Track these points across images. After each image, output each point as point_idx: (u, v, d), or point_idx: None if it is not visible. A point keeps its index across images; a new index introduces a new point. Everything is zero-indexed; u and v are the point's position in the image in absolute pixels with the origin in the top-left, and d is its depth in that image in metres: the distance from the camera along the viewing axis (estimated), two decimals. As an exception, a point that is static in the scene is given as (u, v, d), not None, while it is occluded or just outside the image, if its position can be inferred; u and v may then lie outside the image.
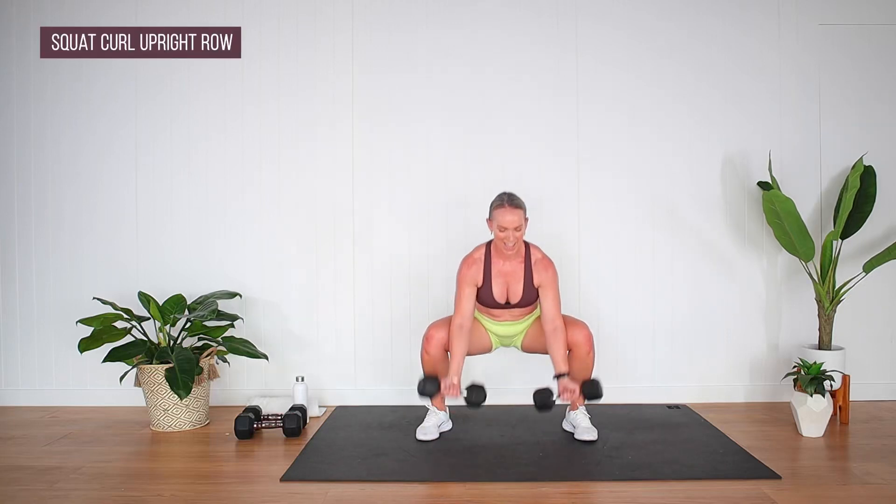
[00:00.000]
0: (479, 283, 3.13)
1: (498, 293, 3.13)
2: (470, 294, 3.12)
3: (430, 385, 3.04)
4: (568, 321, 3.16)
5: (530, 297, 3.14)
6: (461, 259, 3.21)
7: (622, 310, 3.80)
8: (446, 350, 3.15)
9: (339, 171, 3.80)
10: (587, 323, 3.19)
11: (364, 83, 3.79)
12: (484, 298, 3.15)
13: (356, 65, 3.79)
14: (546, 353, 3.17)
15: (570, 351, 3.14)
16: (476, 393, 3.03)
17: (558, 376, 3.04)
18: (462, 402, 3.05)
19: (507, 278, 3.13)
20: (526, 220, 3.10)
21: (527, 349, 3.29)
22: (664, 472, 2.72)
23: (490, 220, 3.11)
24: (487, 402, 3.72)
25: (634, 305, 3.81)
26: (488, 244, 3.19)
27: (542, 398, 3.00)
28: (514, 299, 3.14)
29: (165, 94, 3.81)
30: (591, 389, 3.04)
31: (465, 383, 3.07)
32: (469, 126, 3.78)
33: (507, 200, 3.06)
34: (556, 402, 3.02)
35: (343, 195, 3.81)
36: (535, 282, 3.12)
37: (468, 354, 3.16)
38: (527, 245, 3.17)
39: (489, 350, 3.31)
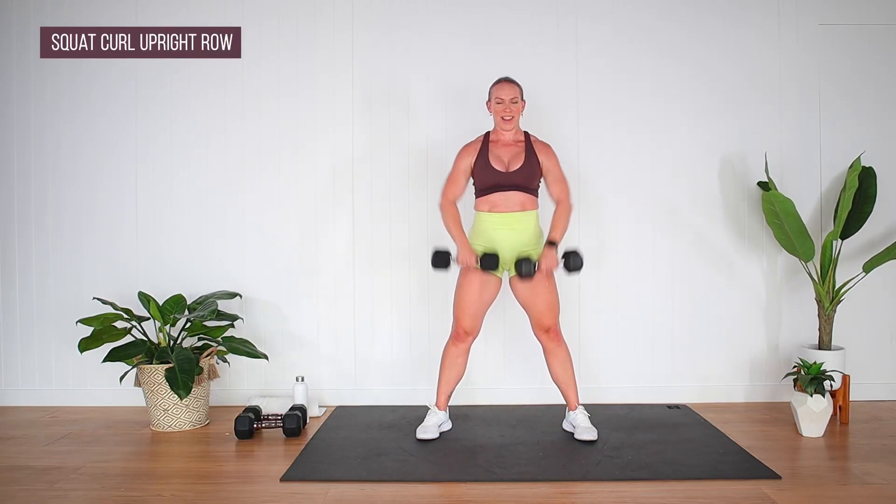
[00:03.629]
0: (474, 162, 3.14)
1: (496, 162, 3.12)
2: (463, 174, 3.18)
3: (442, 258, 3.11)
4: (558, 341, 3.19)
5: (531, 171, 3.12)
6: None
7: (622, 310, 3.80)
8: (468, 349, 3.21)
9: (340, 171, 3.80)
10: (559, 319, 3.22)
11: (364, 83, 3.79)
12: (482, 174, 3.13)
13: (356, 64, 3.79)
14: (526, 309, 3.20)
15: (552, 362, 3.20)
16: (490, 259, 3.06)
17: (550, 243, 3.10)
18: (480, 267, 3.09)
19: (507, 155, 3.15)
20: (523, 101, 3.19)
21: (515, 286, 3.17)
22: (664, 472, 2.72)
23: (489, 101, 3.20)
24: (487, 401, 3.76)
25: (634, 306, 3.81)
26: (488, 132, 3.23)
27: (526, 268, 3.03)
28: (514, 168, 3.11)
29: (165, 94, 3.81)
30: (574, 260, 3.09)
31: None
32: (470, 126, 3.77)
33: (504, 78, 3.19)
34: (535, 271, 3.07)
35: (344, 195, 3.81)
36: (539, 159, 3.15)
37: (484, 306, 3.19)
38: (526, 133, 3.22)
39: (498, 285, 3.19)
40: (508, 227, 3.10)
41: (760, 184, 3.72)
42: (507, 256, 3.14)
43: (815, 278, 3.59)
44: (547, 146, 3.21)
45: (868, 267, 3.51)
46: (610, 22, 3.78)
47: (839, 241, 3.60)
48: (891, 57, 3.79)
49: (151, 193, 3.82)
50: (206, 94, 3.81)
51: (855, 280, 3.59)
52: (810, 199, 3.78)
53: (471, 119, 3.76)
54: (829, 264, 3.54)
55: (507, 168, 3.12)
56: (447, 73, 3.79)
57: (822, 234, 3.76)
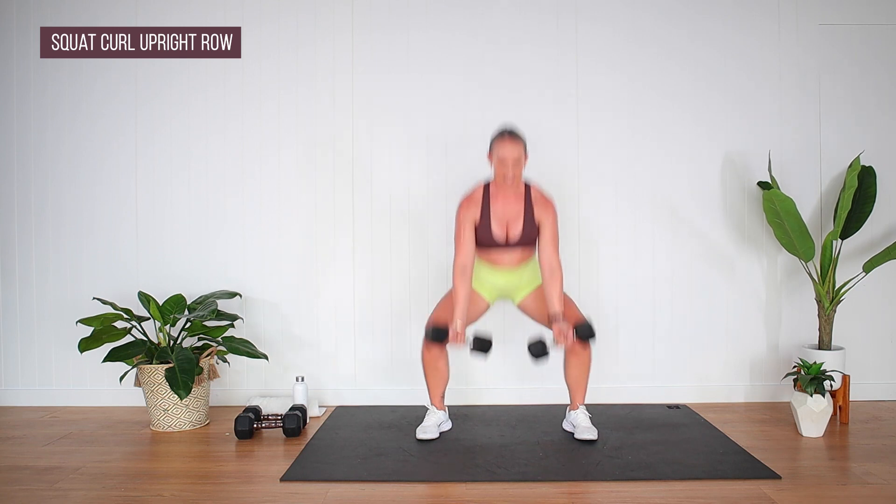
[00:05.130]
0: (478, 220, 3.09)
1: (497, 230, 3.09)
2: (470, 234, 3.10)
3: (438, 333, 3.04)
4: (567, 305, 3.13)
5: (531, 235, 3.10)
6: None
7: (622, 309, 3.80)
8: (445, 349, 3.15)
9: (339, 170, 3.80)
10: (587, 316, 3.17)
11: (364, 83, 3.79)
12: (483, 237, 3.10)
13: (356, 65, 3.80)
14: (540, 322, 3.19)
15: (572, 362, 3.16)
16: (481, 342, 3.02)
17: (553, 319, 3.04)
18: (470, 350, 3.05)
19: (507, 216, 3.10)
20: (526, 155, 3.10)
21: (524, 309, 3.23)
22: (664, 472, 2.72)
23: (490, 153, 3.11)
24: (487, 401, 3.75)
25: (634, 305, 3.81)
26: (487, 184, 3.16)
27: (538, 349, 3.00)
28: (514, 236, 3.09)
29: (165, 94, 3.81)
30: (585, 331, 3.02)
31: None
32: (468, 127, 3.78)
33: (508, 134, 3.06)
34: (551, 351, 3.02)
35: (343, 194, 3.81)
36: (536, 218, 3.09)
37: (467, 323, 3.15)
38: (527, 185, 3.15)
39: (486, 309, 3.24)
40: (507, 276, 3.18)
41: (761, 183, 3.73)
42: (504, 289, 3.21)
43: (815, 278, 3.59)
44: (547, 204, 3.13)
45: (868, 267, 3.51)
46: (609, 22, 3.78)
47: (839, 240, 3.60)
48: (891, 57, 3.79)
49: (151, 193, 3.82)
50: (206, 94, 3.81)
51: (855, 280, 3.59)
52: (810, 198, 3.78)
53: (469, 118, 3.76)
54: (829, 264, 3.54)
55: (507, 233, 3.09)
56: (447, 73, 3.78)
57: (822, 233, 3.76)
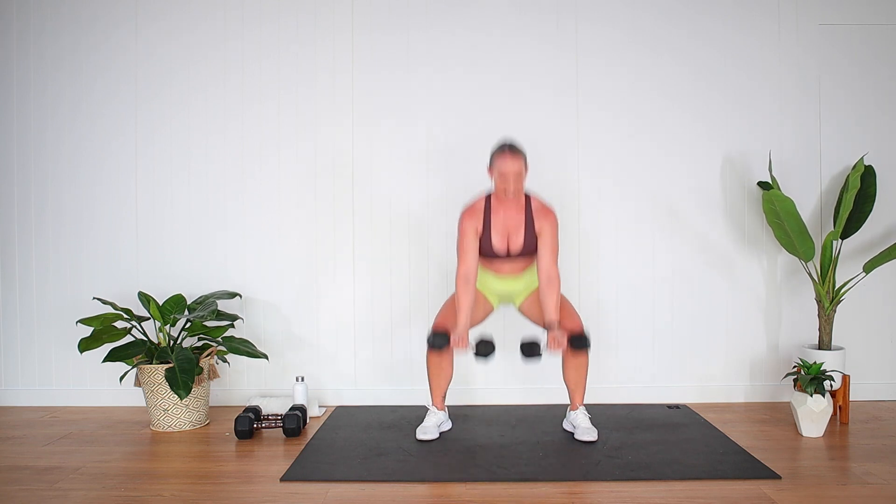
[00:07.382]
0: (480, 231, 3.10)
1: (498, 243, 3.10)
2: (473, 244, 3.10)
3: (439, 339, 3.04)
4: (566, 312, 3.14)
5: (531, 246, 3.10)
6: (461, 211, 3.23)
7: (622, 310, 3.80)
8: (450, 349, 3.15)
9: (340, 171, 3.81)
10: (585, 324, 3.19)
11: (364, 82, 3.80)
12: (484, 249, 3.12)
13: (356, 65, 3.80)
14: (540, 325, 3.20)
15: (569, 364, 3.15)
16: (485, 346, 3.03)
17: (549, 327, 3.04)
18: (474, 355, 3.07)
19: (508, 228, 3.10)
20: (526, 168, 3.09)
21: (524, 311, 3.25)
22: (664, 472, 2.72)
23: (490, 168, 3.10)
24: (487, 401, 3.75)
25: (634, 305, 3.81)
26: (488, 195, 3.16)
27: (529, 350, 3.00)
28: (515, 248, 3.11)
29: (165, 94, 3.81)
30: (579, 342, 3.04)
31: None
32: (468, 127, 3.78)
33: (508, 148, 3.05)
34: (543, 354, 3.03)
35: (343, 194, 3.81)
36: (536, 228, 3.09)
37: (472, 325, 3.17)
38: (527, 196, 3.15)
39: (491, 312, 3.26)
40: (509, 283, 3.20)
41: (761, 183, 3.73)
42: (506, 295, 3.23)
43: (815, 278, 3.59)
44: (547, 214, 3.12)
45: (868, 267, 3.51)
46: (609, 21, 3.78)
47: (839, 241, 3.60)
48: (891, 57, 3.79)
49: (151, 193, 3.82)
50: (206, 94, 3.81)
51: (855, 280, 3.60)
52: (810, 198, 3.78)
53: (469, 119, 3.76)
54: (829, 264, 3.54)
55: (507, 246, 3.11)
56: (446, 73, 3.78)
57: (822, 234, 3.76)
